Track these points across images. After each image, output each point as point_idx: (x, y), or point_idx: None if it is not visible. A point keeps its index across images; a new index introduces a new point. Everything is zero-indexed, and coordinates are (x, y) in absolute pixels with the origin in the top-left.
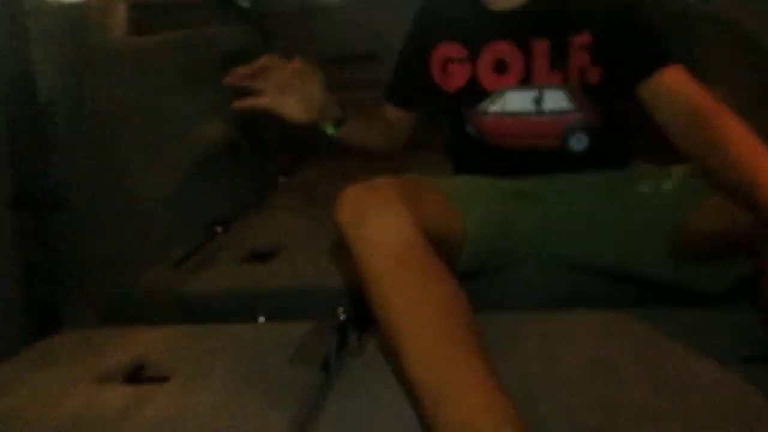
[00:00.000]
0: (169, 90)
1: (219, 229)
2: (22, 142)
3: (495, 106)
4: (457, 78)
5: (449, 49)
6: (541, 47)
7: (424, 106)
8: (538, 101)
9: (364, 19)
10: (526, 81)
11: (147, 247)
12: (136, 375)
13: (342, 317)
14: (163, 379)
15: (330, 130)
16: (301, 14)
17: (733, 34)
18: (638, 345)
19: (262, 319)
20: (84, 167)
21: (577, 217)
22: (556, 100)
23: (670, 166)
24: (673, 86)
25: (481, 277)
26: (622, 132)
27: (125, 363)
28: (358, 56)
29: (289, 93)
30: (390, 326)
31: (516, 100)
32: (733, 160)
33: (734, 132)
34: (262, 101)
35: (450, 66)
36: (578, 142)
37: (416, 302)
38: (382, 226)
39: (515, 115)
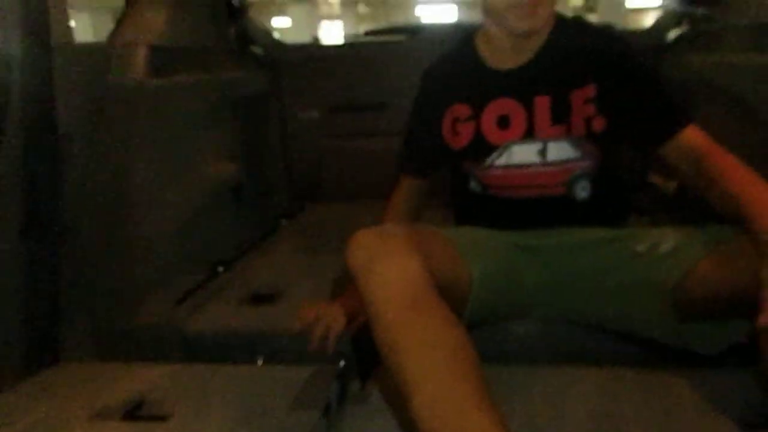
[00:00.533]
0: (180, 130)
1: (221, 268)
2: (38, 172)
3: (501, 159)
4: (463, 136)
5: (458, 110)
6: (542, 103)
7: (437, 167)
8: (542, 152)
9: (372, 69)
10: (529, 135)
11: (150, 283)
12: (134, 412)
13: (342, 363)
14: (162, 418)
15: None
16: (312, 62)
17: (728, 98)
18: (642, 403)
19: (260, 361)
20: (94, 200)
21: (579, 273)
22: (560, 150)
23: (668, 226)
24: (694, 147)
25: (486, 329)
26: (622, 182)
27: (124, 399)
28: (367, 105)
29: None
30: (399, 371)
31: (521, 153)
32: (733, 193)
33: (735, 170)
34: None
35: (457, 125)
36: (583, 190)
37: (427, 347)
38: (394, 272)
39: (521, 167)
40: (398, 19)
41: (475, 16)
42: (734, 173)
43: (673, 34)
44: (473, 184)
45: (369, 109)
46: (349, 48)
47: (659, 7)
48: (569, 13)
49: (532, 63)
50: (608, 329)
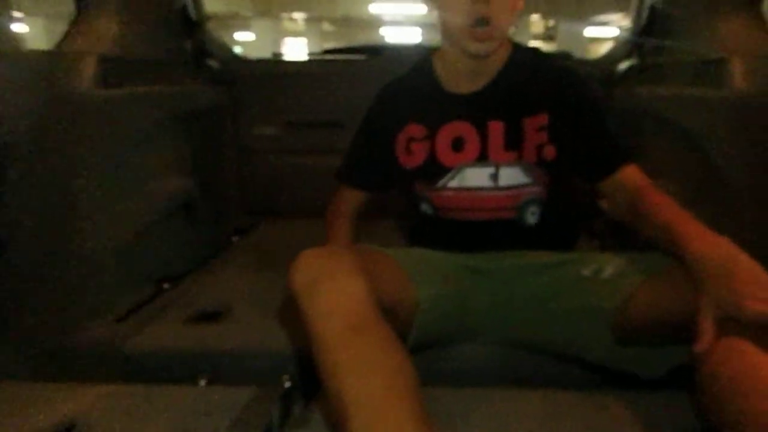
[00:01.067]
0: (129, 142)
1: (166, 285)
2: None
3: (453, 182)
4: (417, 156)
5: (413, 130)
6: (496, 128)
7: (385, 185)
8: (494, 177)
9: (331, 87)
10: (482, 158)
11: (89, 300)
12: None
13: (287, 384)
14: None
15: None
16: (270, 78)
17: (674, 130)
18: (583, 425)
19: (203, 382)
20: (34, 213)
21: (526, 297)
22: (511, 175)
23: (613, 251)
24: (630, 183)
25: (432, 351)
26: (572, 208)
27: (56, 421)
28: (325, 123)
29: None
30: (337, 394)
31: (473, 176)
32: (664, 225)
33: (666, 206)
34: None
35: (412, 145)
36: (532, 215)
37: (365, 371)
38: (337, 293)
39: (473, 190)
40: (363, 39)
41: (438, 39)
42: (666, 209)
43: (623, 65)
44: (425, 206)
45: (326, 127)
46: (309, 65)
47: (616, 37)
48: (530, 40)
49: (487, 88)
50: (553, 352)
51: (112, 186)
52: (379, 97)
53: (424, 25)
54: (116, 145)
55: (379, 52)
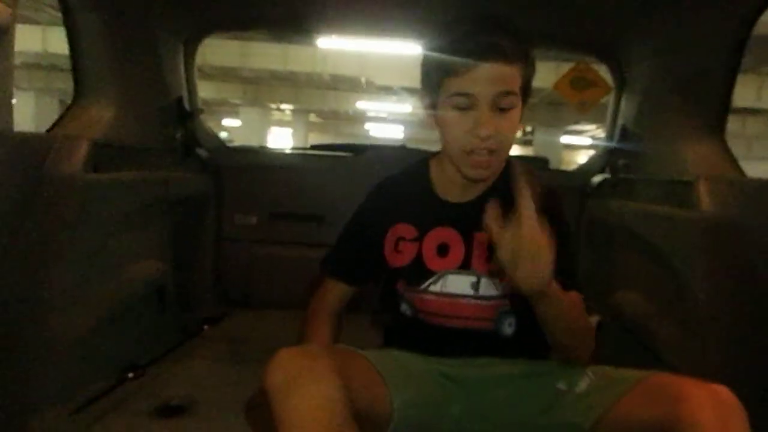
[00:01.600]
0: (110, 227)
1: (131, 375)
2: None
3: (436, 286)
4: (404, 255)
5: (403, 230)
6: (480, 239)
7: (369, 280)
8: (475, 286)
9: (314, 181)
10: (465, 266)
11: (46, 388)
12: None
13: None
14: None
15: None
16: (255, 168)
17: (642, 243)
18: None
19: None
20: (1, 293)
21: (501, 406)
22: (491, 286)
23: (587, 366)
24: None
25: None
26: None
27: None
28: (306, 216)
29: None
30: None
31: (456, 283)
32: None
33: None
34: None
35: (401, 244)
36: (509, 326)
37: None
38: (310, 398)
39: (453, 296)
40: (348, 132)
41: (420, 133)
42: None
43: (598, 178)
44: (404, 307)
45: (307, 220)
46: (294, 158)
47: (590, 146)
48: None
49: (476, 200)
50: None
51: (85, 271)
52: (373, 194)
53: (406, 122)
54: (96, 230)
55: (363, 150)
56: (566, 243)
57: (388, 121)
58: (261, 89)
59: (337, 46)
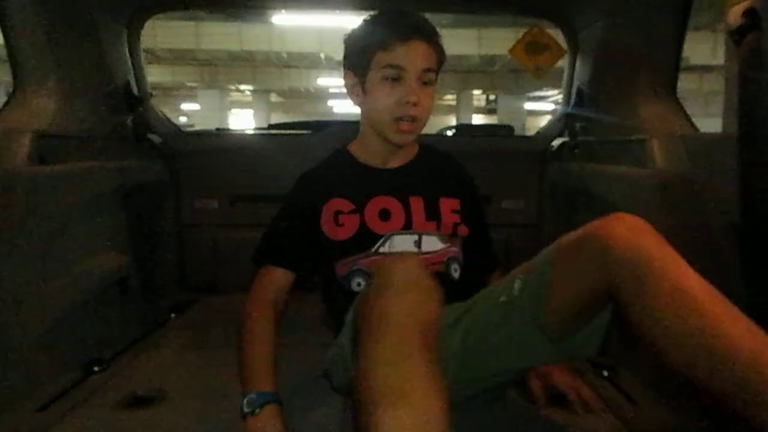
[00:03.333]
0: (62, 220)
1: (96, 368)
2: None
3: (384, 248)
4: (347, 227)
5: (338, 204)
6: (416, 202)
7: (313, 260)
8: (417, 243)
9: (274, 161)
10: (407, 227)
11: (7, 387)
12: None
13: None
14: None
15: None
16: (212, 152)
17: (602, 203)
18: None
19: None
20: None
21: (465, 337)
22: (431, 242)
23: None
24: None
25: None
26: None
27: None
28: (267, 197)
29: None
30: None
31: (401, 242)
32: None
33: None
34: None
35: (341, 218)
36: (455, 272)
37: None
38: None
39: (401, 255)
40: (311, 110)
41: None
42: None
43: (557, 143)
44: (357, 281)
45: (269, 201)
46: (252, 138)
47: (552, 111)
48: (472, 114)
49: (406, 167)
50: (507, 375)
51: (39, 267)
52: (300, 181)
53: None
54: (46, 224)
55: (321, 127)
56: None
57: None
58: (218, 71)
59: (293, 22)
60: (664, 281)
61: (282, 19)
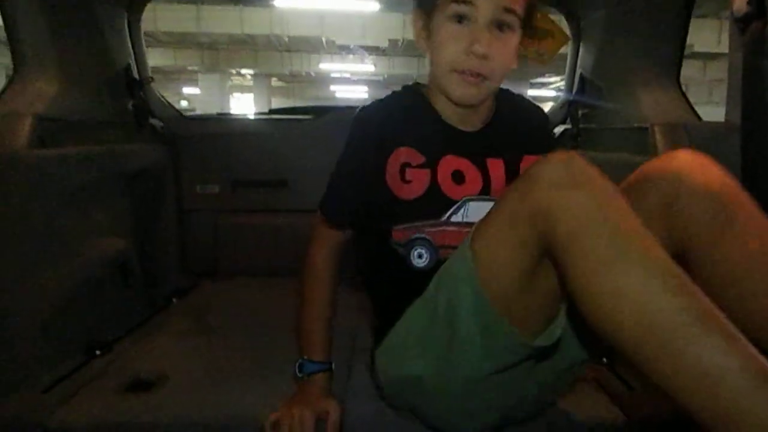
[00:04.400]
0: (62, 205)
1: (98, 352)
2: None
3: (457, 216)
4: (415, 184)
5: (407, 154)
6: (495, 165)
7: (376, 220)
8: None
9: (275, 146)
10: (485, 192)
11: (10, 372)
12: None
13: None
14: None
15: None
16: (214, 136)
17: None
18: None
19: None
20: None
21: None
22: None
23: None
24: None
25: None
26: None
27: None
28: (268, 182)
29: None
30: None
31: (478, 210)
32: None
33: None
34: None
35: (408, 172)
36: None
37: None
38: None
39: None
40: (313, 94)
41: (384, 94)
42: None
43: (558, 129)
44: (418, 252)
45: (271, 186)
46: (253, 123)
47: (554, 98)
48: None
49: (484, 128)
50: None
51: (40, 250)
52: (363, 118)
53: (370, 81)
54: (47, 208)
55: (325, 112)
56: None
57: (352, 82)
58: (219, 55)
59: (295, 5)
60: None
61: (283, 2)
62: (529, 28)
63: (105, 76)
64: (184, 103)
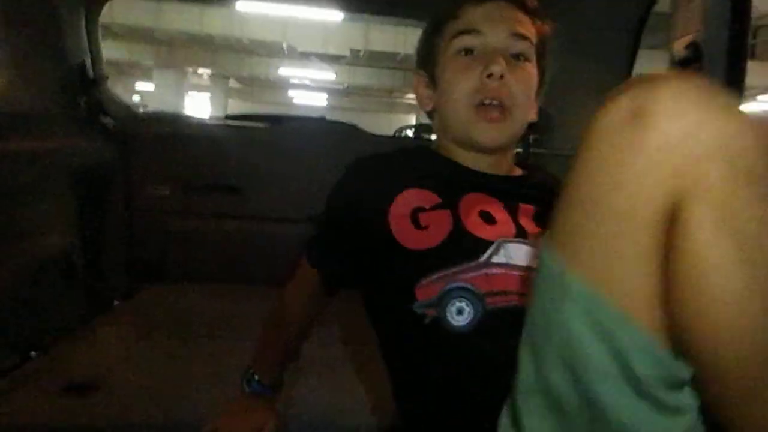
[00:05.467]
0: (6, 199)
1: (33, 354)
2: None
3: (498, 257)
4: (436, 229)
5: (417, 197)
6: (527, 209)
7: (387, 283)
8: (534, 258)
9: (230, 151)
10: (520, 236)
11: None
12: None
13: None
14: None
15: None
16: (168, 138)
17: None
18: None
19: None
20: None
21: None
22: None
23: None
24: None
25: None
26: None
27: None
28: (221, 187)
29: None
30: None
31: (519, 252)
32: None
33: None
34: None
35: (423, 216)
36: None
37: None
38: None
39: (522, 269)
40: (270, 99)
41: (344, 102)
42: None
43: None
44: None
45: (222, 191)
46: (208, 127)
47: None
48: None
49: (513, 176)
50: None
51: None
52: (354, 168)
53: (330, 90)
54: None
55: (281, 121)
56: None
57: (312, 88)
58: (176, 51)
59: (257, 9)
60: None
61: (246, 5)
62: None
63: (59, 71)
64: (136, 98)
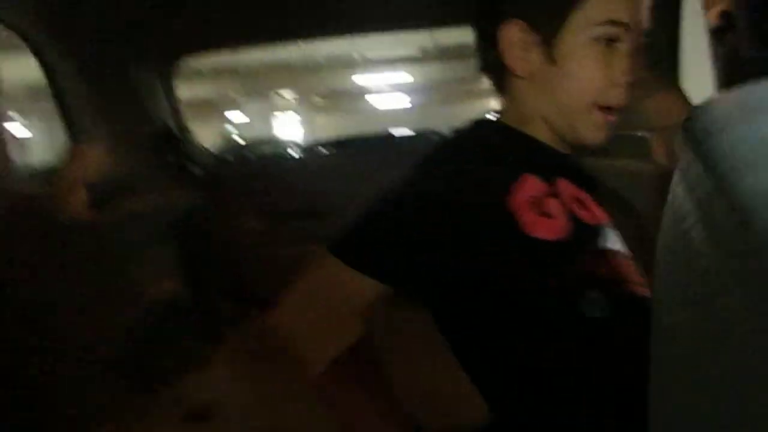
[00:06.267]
0: (120, 257)
1: (156, 386)
2: None
3: (608, 242)
4: (557, 218)
5: (531, 185)
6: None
7: (498, 270)
8: (621, 243)
9: (312, 178)
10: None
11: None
12: None
13: None
14: None
15: None
16: (252, 175)
17: (615, 198)
18: None
19: None
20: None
21: None
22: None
23: None
24: None
25: None
26: None
27: None
28: (309, 214)
29: None
30: None
31: (612, 238)
32: None
33: None
34: None
35: (545, 203)
36: None
37: None
38: None
39: (622, 256)
40: (352, 108)
41: (423, 100)
42: None
43: None
44: (592, 298)
45: (311, 217)
46: (291, 159)
47: None
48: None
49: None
50: None
51: (107, 297)
52: (442, 157)
53: (409, 90)
54: (107, 262)
55: (358, 144)
56: None
57: (390, 92)
58: (259, 80)
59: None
60: None
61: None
62: None
63: (144, 135)
64: (229, 128)
